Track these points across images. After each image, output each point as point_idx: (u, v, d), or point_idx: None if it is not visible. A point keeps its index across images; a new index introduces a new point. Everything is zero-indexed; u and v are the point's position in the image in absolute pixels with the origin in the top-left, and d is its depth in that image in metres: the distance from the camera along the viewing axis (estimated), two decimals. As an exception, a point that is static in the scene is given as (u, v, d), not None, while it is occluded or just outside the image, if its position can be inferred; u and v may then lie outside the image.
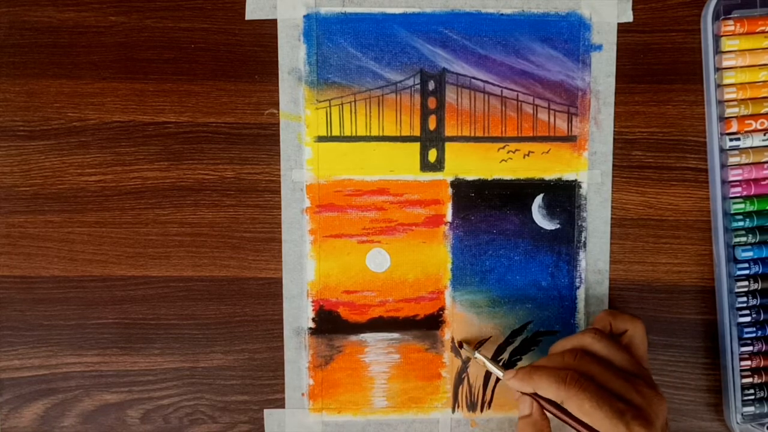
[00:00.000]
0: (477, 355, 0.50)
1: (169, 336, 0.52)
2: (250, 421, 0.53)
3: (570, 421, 0.44)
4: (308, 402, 0.53)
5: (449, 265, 0.52)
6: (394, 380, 0.53)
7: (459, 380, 0.53)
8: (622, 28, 0.52)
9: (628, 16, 0.51)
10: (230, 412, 0.53)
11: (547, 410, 0.45)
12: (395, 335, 0.53)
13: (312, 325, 0.52)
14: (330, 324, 0.52)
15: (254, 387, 0.53)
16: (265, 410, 0.53)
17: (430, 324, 0.53)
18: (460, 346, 0.52)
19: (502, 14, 0.51)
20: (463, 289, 0.53)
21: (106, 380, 0.52)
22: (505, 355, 0.53)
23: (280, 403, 0.53)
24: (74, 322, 0.52)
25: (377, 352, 0.53)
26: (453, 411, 0.53)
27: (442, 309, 0.53)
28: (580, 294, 0.53)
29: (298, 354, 0.53)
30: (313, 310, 0.52)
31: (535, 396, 0.46)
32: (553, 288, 0.53)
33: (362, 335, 0.53)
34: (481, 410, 0.53)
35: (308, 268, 0.52)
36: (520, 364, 0.53)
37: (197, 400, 0.53)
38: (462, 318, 0.53)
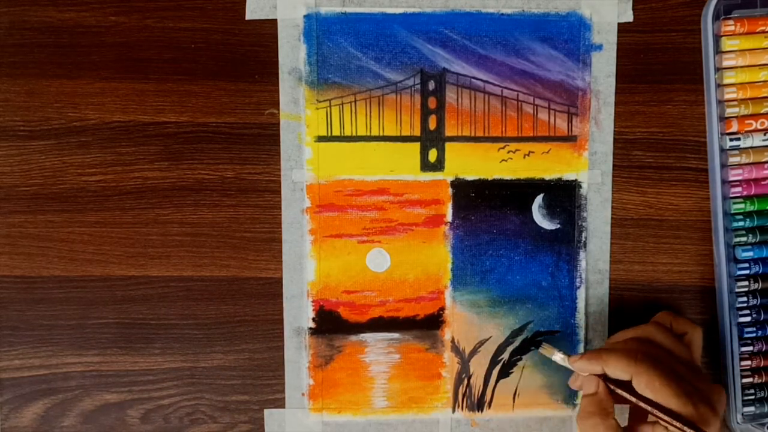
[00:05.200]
0: (555, 356, 0.50)
1: (169, 336, 0.52)
2: (250, 421, 0.53)
3: (637, 401, 0.44)
4: (308, 402, 0.53)
5: (449, 265, 0.52)
6: (394, 380, 0.53)
7: (459, 380, 0.53)
8: (623, 28, 0.51)
9: (629, 16, 0.51)
10: (230, 412, 0.53)
11: (615, 390, 0.45)
12: (395, 335, 0.53)
13: (312, 325, 0.52)
14: (330, 324, 0.52)
15: (254, 387, 0.53)
16: (265, 410, 0.53)
17: (430, 324, 0.53)
18: (537, 347, 0.52)
19: (502, 14, 0.51)
20: (463, 289, 0.53)
21: (106, 380, 0.53)
22: (505, 356, 0.53)
23: (280, 403, 0.53)
24: (74, 322, 0.52)
25: (377, 352, 0.53)
26: (453, 411, 0.53)
27: (442, 309, 0.53)
28: (581, 294, 0.53)
29: (298, 354, 0.53)
30: (313, 310, 0.52)
31: (602, 377, 0.46)
32: (554, 288, 0.53)
33: (362, 335, 0.53)
34: (482, 410, 0.53)
35: (308, 268, 0.52)
36: (520, 363, 0.53)
37: (197, 400, 0.53)
38: (462, 318, 0.53)
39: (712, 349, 0.53)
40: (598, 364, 0.45)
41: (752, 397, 0.52)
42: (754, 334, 0.52)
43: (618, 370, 0.44)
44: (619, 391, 0.45)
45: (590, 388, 0.46)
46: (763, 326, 0.52)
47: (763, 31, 0.50)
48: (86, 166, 0.51)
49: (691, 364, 0.46)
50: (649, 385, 0.43)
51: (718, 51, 0.51)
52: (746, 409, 0.52)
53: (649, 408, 0.43)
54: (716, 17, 0.51)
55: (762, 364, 0.52)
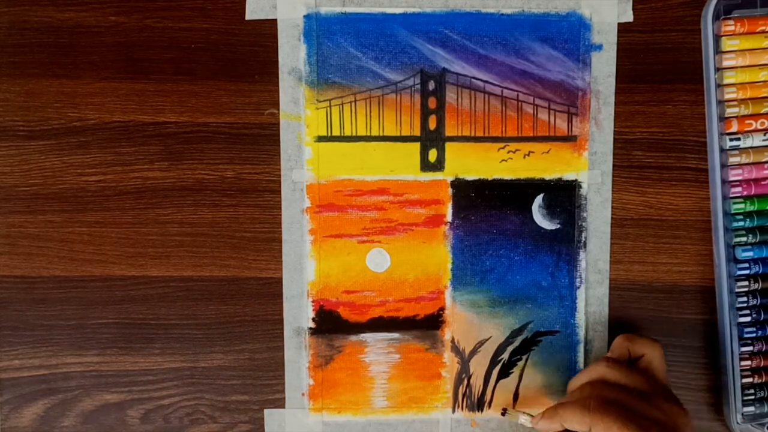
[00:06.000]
0: (521, 419, 0.50)
1: (169, 336, 0.52)
2: (250, 421, 0.53)
3: None
4: (308, 402, 0.53)
5: (449, 265, 0.52)
6: (394, 380, 0.53)
7: (459, 380, 0.53)
8: (623, 28, 0.51)
9: (629, 16, 0.51)
10: (230, 412, 0.53)
11: None
12: (395, 335, 0.53)
13: (312, 325, 0.52)
14: (330, 324, 0.52)
15: (254, 387, 0.53)
16: (265, 410, 0.53)
17: (430, 324, 0.53)
18: (503, 413, 0.52)
19: (502, 14, 0.51)
20: (463, 289, 0.53)
21: (106, 380, 0.52)
22: (505, 355, 0.53)
23: (280, 403, 0.53)
24: (74, 322, 0.52)
25: (377, 352, 0.53)
26: (453, 411, 0.53)
27: (442, 309, 0.53)
28: (581, 294, 0.53)
29: (298, 354, 0.53)
30: (313, 310, 0.52)
31: None
32: (553, 288, 0.53)
33: (362, 335, 0.53)
34: (482, 410, 0.53)
35: (308, 268, 0.52)
36: (519, 363, 0.53)
37: (197, 400, 0.53)
38: (462, 318, 0.53)
39: (712, 349, 0.53)
40: (556, 420, 0.46)
41: (752, 397, 0.52)
42: (754, 334, 0.52)
43: (575, 423, 0.44)
44: None
45: None
46: (763, 326, 0.52)
47: (763, 31, 0.50)
48: (86, 166, 0.51)
49: (649, 390, 0.45)
50: None
51: (718, 51, 0.51)
52: (746, 409, 0.52)
53: None
54: (716, 17, 0.51)
55: (762, 364, 0.52)
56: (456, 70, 0.51)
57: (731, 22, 0.50)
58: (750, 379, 0.52)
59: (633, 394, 0.45)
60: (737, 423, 0.52)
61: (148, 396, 0.53)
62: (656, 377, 0.47)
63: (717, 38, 0.51)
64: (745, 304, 0.52)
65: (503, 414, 0.52)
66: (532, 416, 0.49)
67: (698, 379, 0.53)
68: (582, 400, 0.45)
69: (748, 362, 0.52)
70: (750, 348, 0.52)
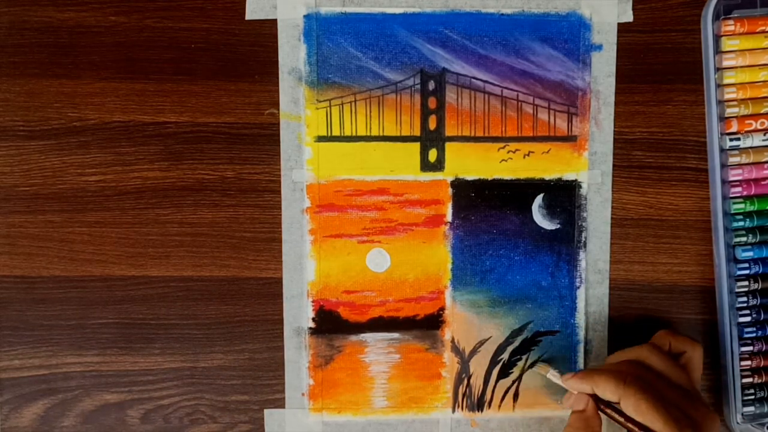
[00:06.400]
0: (550, 374, 0.51)
1: (169, 336, 0.52)
2: (250, 421, 0.53)
3: (624, 422, 0.45)
4: (308, 402, 0.53)
5: (449, 265, 0.52)
6: (394, 380, 0.53)
7: (459, 380, 0.53)
8: (623, 28, 0.52)
9: (629, 16, 0.51)
10: (230, 412, 0.53)
11: (603, 410, 0.46)
12: (395, 335, 0.53)
13: (312, 325, 0.52)
14: (330, 324, 0.52)
15: (254, 387, 0.53)
16: (265, 410, 0.53)
17: (430, 324, 0.53)
18: (532, 365, 0.53)
19: (502, 14, 0.51)
20: (463, 289, 0.53)
21: (106, 380, 0.52)
22: (505, 355, 0.53)
23: (280, 403, 0.53)
24: (74, 322, 0.52)
25: (377, 352, 0.53)
26: (453, 411, 0.53)
27: (442, 309, 0.53)
28: (581, 294, 0.53)
29: (298, 354, 0.53)
30: (313, 310, 0.52)
31: (592, 396, 0.47)
32: (553, 288, 0.53)
33: (362, 335, 0.53)
34: (482, 410, 0.53)
35: (308, 268, 0.52)
36: (519, 363, 0.53)
37: (197, 400, 0.53)
38: (462, 318, 0.53)
39: (713, 349, 0.53)
40: (589, 383, 0.46)
41: (752, 397, 0.52)
42: (754, 334, 0.52)
43: (607, 391, 0.45)
44: (608, 411, 0.46)
45: (580, 405, 0.47)
46: (763, 326, 0.52)
47: (763, 31, 0.50)
48: (86, 166, 0.51)
49: (685, 389, 0.46)
50: (636, 408, 0.43)
51: (717, 51, 0.51)
52: (746, 409, 0.52)
53: (636, 430, 0.44)
54: (716, 17, 0.51)
55: (762, 364, 0.52)
56: (456, 70, 0.51)
57: (731, 22, 0.50)
58: (750, 379, 0.52)
59: (671, 385, 0.45)
60: (737, 423, 0.52)
61: (148, 396, 0.53)
62: (692, 377, 0.47)
63: (717, 38, 0.51)
64: (745, 304, 0.52)
65: (531, 367, 0.52)
66: (562, 373, 0.50)
67: (698, 379, 0.53)
68: (620, 372, 0.45)
69: (748, 362, 0.52)
70: (750, 348, 0.52)
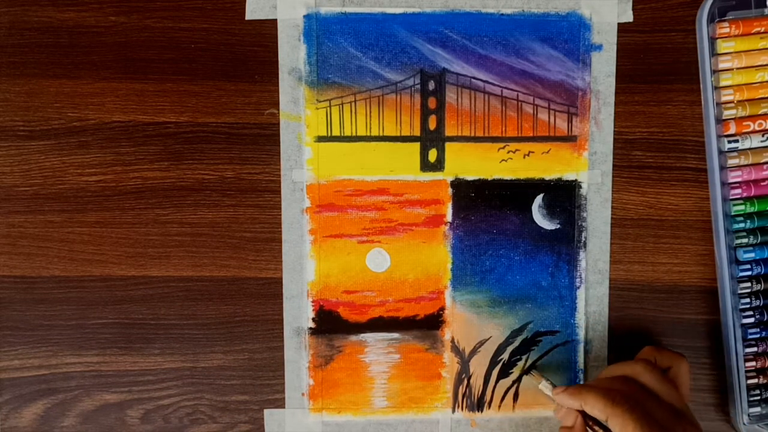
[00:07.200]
0: (542, 385, 0.51)
1: (169, 336, 0.52)
2: (250, 421, 0.53)
3: None
4: (308, 402, 0.53)
5: (449, 265, 0.52)
6: (394, 380, 0.53)
7: (459, 380, 0.53)
8: (622, 28, 0.52)
9: (628, 16, 0.51)
10: (230, 412, 0.53)
11: (591, 427, 0.46)
12: (395, 335, 0.53)
13: (312, 325, 0.52)
14: (330, 324, 0.52)
15: (254, 387, 0.53)
16: (265, 410, 0.53)
17: (430, 324, 0.53)
18: (527, 372, 0.53)
19: (502, 14, 0.51)
20: (463, 289, 0.53)
21: (106, 380, 0.52)
22: (505, 356, 0.53)
23: (280, 403, 0.53)
24: (74, 322, 0.52)
25: (377, 352, 0.53)
26: (453, 411, 0.53)
27: (442, 309, 0.53)
28: (580, 294, 0.53)
29: (298, 354, 0.53)
30: (313, 310, 0.52)
31: (581, 412, 0.47)
32: (553, 288, 0.53)
33: (362, 335, 0.53)
34: (482, 410, 0.53)
35: (308, 268, 0.52)
36: (519, 363, 0.53)
37: (197, 400, 0.53)
38: (462, 318, 0.53)
39: (714, 349, 0.53)
40: (578, 400, 0.46)
41: (758, 397, 0.52)
42: (758, 335, 0.52)
43: (595, 409, 0.45)
44: (596, 429, 0.46)
45: (568, 421, 0.48)
46: (767, 327, 0.52)
47: (759, 33, 0.50)
48: (86, 166, 0.51)
49: (675, 408, 0.45)
50: (622, 428, 0.43)
51: (713, 53, 0.51)
52: (752, 410, 0.51)
53: None
54: (711, 19, 0.50)
55: (767, 365, 0.52)
56: (456, 70, 0.51)
57: (726, 24, 0.50)
58: (755, 380, 0.52)
59: (660, 403, 0.45)
60: (744, 424, 0.52)
61: (148, 396, 0.53)
62: (681, 392, 0.47)
63: (712, 41, 0.51)
64: (748, 305, 0.51)
65: (526, 373, 0.52)
66: (554, 385, 0.50)
67: (701, 379, 0.53)
68: (609, 390, 0.45)
69: (753, 363, 0.52)
70: (754, 349, 0.52)
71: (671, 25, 0.52)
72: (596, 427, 0.46)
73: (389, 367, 0.53)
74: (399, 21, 0.51)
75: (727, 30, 0.50)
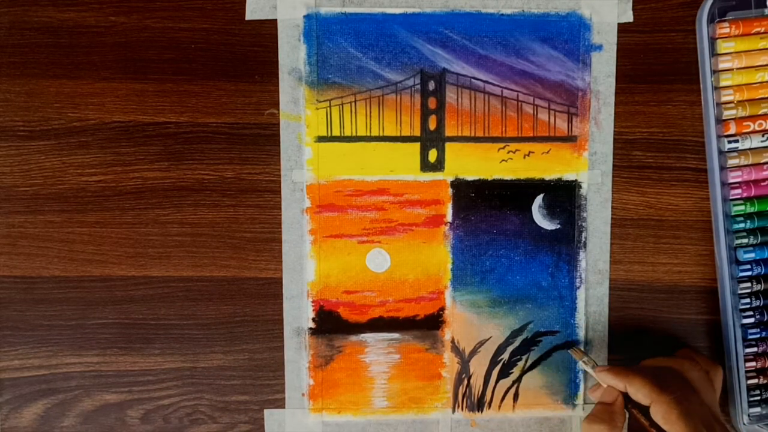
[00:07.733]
0: (584, 360, 0.50)
1: (169, 336, 0.52)
2: (250, 421, 0.53)
3: (649, 426, 0.44)
4: (308, 402, 0.53)
5: (449, 265, 0.52)
6: (394, 380, 0.53)
7: (459, 380, 0.53)
8: (622, 28, 0.52)
9: (629, 16, 0.51)
10: (230, 412, 0.53)
11: (630, 410, 0.46)
12: (395, 335, 0.53)
13: (312, 325, 0.52)
14: (330, 324, 0.52)
15: (254, 387, 0.53)
16: (265, 410, 0.53)
17: (430, 324, 0.53)
18: (568, 348, 0.53)
19: (502, 14, 0.51)
20: (463, 289, 0.53)
21: (106, 380, 0.52)
22: (505, 356, 0.53)
23: (280, 403, 0.53)
24: (74, 322, 0.52)
25: (377, 352, 0.53)
26: (453, 411, 0.53)
27: (442, 309, 0.53)
28: (580, 294, 0.53)
29: (298, 354, 0.53)
30: (313, 310, 0.52)
31: (623, 393, 0.47)
32: (553, 288, 0.53)
33: (362, 335, 0.53)
34: (482, 410, 0.53)
35: (308, 268, 0.52)
36: (519, 364, 0.53)
37: (197, 400, 0.53)
38: (462, 318, 0.53)
39: (714, 349, 0.53)
40: (623, 381, 0.46)
41: (758, 398, 0.52)
42: (758, 335, 0.52)
43: (640, 393, 0.45)
44: (635, 412, 0.46)
45: (608, 398, 0.47)
46: (767, 327, 0.52)
47: (759, 33, 0.50)
48: (86, 166, 0.51)
49: (713, 411, 0.45)
50: (665, 417, 0.43)
51: (713, 53, 0.51)
52: (752, 410, 0.52)
53: None
54: (711, 20, 0.50)
55: (767, 365, 0.52)
56: (456, 70, 0.51)
57: (726, 24, 0.50)
58: (755, 380, 0.52)
59: (702, 404, 0.45)
60: (744, 424, 0.52)
61: (148, 396, 0.53)
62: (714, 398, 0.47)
63: (712, 41, 0.51)
64: (748, 305, 0.51)
65: (568, 349, 0.52)
66: (596, 364, 0.49)
67: (698, 380, 0.53)
68: (656, 377, 0.45)
69: (753, 363, 0.52)
70: (754, 349, 0.52)
71: (671, 25, 0.52)
72: (635, 411, 0.46)
73: (389, 368, 0.53)
74: (399, 21, 0.51)
75: (727, 30, 0.50)
